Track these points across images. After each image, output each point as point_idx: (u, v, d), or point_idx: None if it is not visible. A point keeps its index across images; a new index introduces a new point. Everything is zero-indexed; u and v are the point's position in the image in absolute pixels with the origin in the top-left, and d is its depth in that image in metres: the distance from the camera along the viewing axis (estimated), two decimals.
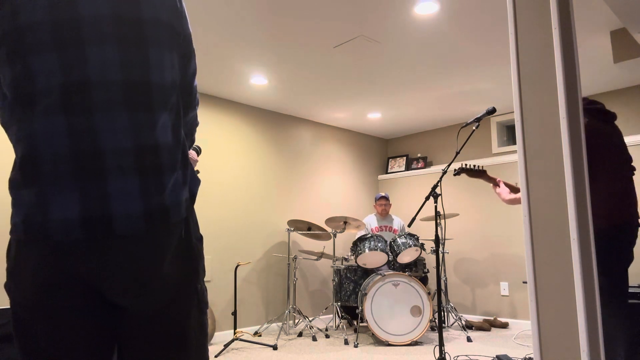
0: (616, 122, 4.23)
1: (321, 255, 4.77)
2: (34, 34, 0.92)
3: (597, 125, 2.43)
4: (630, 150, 4.43)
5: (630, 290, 2.77)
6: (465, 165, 2.78)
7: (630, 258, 2.30)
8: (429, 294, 4.22)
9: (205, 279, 4.44)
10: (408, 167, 6.24)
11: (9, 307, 2.93)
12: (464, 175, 5.64)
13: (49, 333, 0.91)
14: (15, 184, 0.94)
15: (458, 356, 3.64)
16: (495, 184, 2.73)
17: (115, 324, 0.98)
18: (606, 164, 2.37)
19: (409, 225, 3.26)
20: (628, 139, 4.40)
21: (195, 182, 1.08)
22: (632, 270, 4.20)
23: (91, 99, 0.92)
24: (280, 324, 4.99)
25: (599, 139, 2.39)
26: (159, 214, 0.95)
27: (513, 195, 2.62)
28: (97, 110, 0.92)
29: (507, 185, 2.68)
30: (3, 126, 1.00)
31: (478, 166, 2.73)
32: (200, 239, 1.06)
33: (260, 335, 4.61)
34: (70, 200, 0.89)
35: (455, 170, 2.81)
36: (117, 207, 0.91)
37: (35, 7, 0.92)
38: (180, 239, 0.99)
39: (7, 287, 0.95)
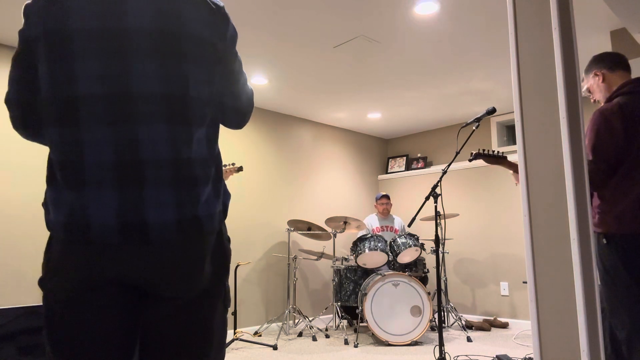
0: None
1: (321, 255, 4.77)
2: (82, 39, 0.95)
3: None
4: None
5: None
6: (484, 150, 2.53)
7: None
8: (429, 294, 4.22)
9: None
10: (408, 167, 6.24)
11: (9, 307, 2.94)
12: (464, 175, 5.64)
13: (82, 328, 0.95)
14: (56, 185, 0.98)
15: (458, 356, 3.64)
16: (517, 171, 2.44)
17: (142, 319, 1.03)
18: None
19: (409, 225, 3.26)
20: None
21: (227, 196, 1.13)
22: None
23: (135, 111, 0.96)
24: (280, 324, 4.99)
25: None
26: (191, 224, 0.99)
27: None
28: (140, 122, 0.96)
29: None
30: (22, 109, 1.02)
31: (497, 151, 2.51)
32: (229, 240, 1.12)
33: (260, 335, 4.61)
34: (109, 206, 0.94)
35: (471, 154, 2.57)
36: (152, 216, 0.96)
37: (86, 14, 0.96)
38: (214, 243, 1.05)
39: (43, 281, 0.99)
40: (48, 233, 3.59)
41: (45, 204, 1.01)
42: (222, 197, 1.10)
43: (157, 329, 1.01)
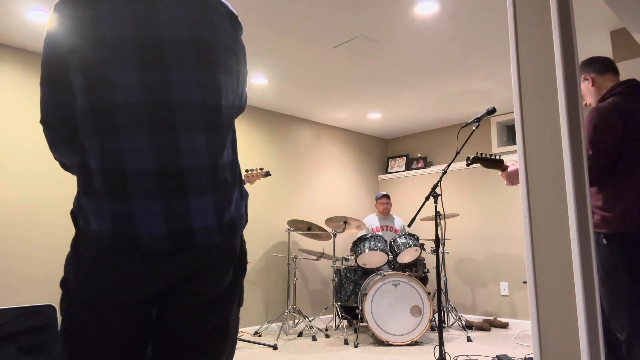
0: None
1: (321, 255, 4.77)
2: (117, 47, 0.95)
3: (639, 107, 2.11)
4: None
5: None
6: (481, 154, 2.52)
7: None
8: (429, 294, 4.22)
9: None
10: (408, 167, 6.24)
11: (9, 307, 2.93)
12: (464, 175, 5.64)
13: (102, 326, 0.97)
14: (94, 194, 0.97)
15: (458, 356, 3.64)
16: (508, 172, 2.43)
17: (161, 310, 1.05)
18: None
19: (409, 225, 3.26)
20: None
21: (247, 196, 1.16)
22: None
23: (175, 119, 0.98)
24: (280, 324, 4.99)
25: (639, 124, 2.08)
26: (229, 226, 1.04)
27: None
28: (179, 131, 0.98)
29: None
30: (55, 128, 1.03)
31: (494, 155, 2.50)
32: (245, 241, 1.16)
33: (260, 335, 4.61)
34: (156, 216, 0.96)
35: (468, 158, 2.55)
36: (197, 222, 0.99)
37: (118, 21, 0.96)
38: (239, 243, 1.10)
39: (66, 283, 1.00)
40: (47, 234, 3.59)
41: (78, 213, 1.01)
42: (244, 198, 1.14)
43: (176, 324, 1.03)
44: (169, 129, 0.97)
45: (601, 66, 2.30)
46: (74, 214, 1.02)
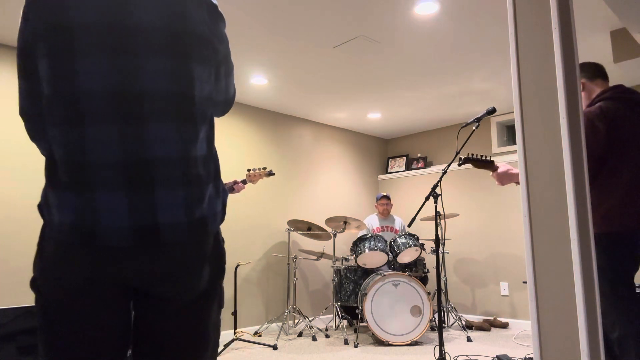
0: None
1: (321, 255, 4.77)
2: (84, 34, 0.91)
3: (625, 113, 2.19)
4: None
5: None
6: (472, 155, 2.57)
7: (638, 264, 2.15)
8: (429, 294, 4.22)
9: None
10: (408, 167, 6.23)
11: (9, 307, 2.94)
12: (464, 175, 5.64)
13: (78, 328, 0.93)
14: (59, 186, 0.94)
15: (458, 356, 3.64)
16: (498, 173, 2.48)
17: (138, 318, 1.02)
18: (629, 159, 2.16)
19: (409, 225, 3.26)
20: None
21: (226, 194, 1.12)
22: None
23: (143, 109, 0.93)
24: (280, 324, 4.99)
25: (624, 129, 2.16)
26: (200, 224, 0.99)
27: (513, 172, 2.38)
28: (148, 120, 0.93)
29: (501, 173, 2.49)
30: (33, 120, 0.99)
31: (485, 156, 2.57)
32: (223, 240, 1.11)
33: (260, 335, 4.61)
34: (120, 208, 0.91)
35: (460, 159, 2.61)
36: (163, 217, 0.94)
37: (86, 6, 0.92)
38: (213, 242, 1.04)
39: (35, 282, 0.97)
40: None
41: (43, 206, 0.97)
42: (222, 195, 1.09)
43: (155, 330, 1.00)
44: (137, 118, 0.92)
45: (592, 72, 2.38)
46: (40, 207, 0.98)
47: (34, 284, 0.97)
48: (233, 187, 3.14)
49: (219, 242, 1.07)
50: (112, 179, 0.91)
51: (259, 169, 3.32)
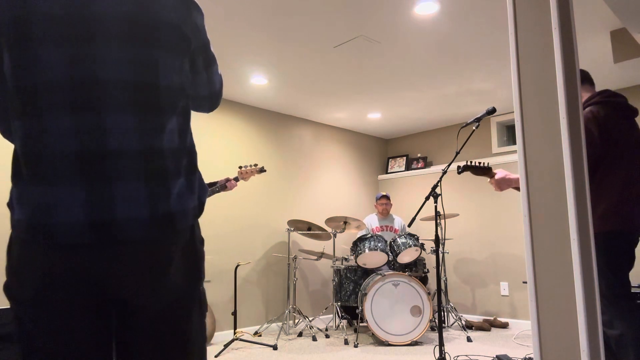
0: None
1: (321, 255, 4.77)
2: (44, 24, 0.89)
3: (614, 117, 2.28)
4: None
5: (635, 290, 2.77)
6: (470, 162, 2.63)
7: (633, 262, 2.25)
8: (429, 294, 4.22)
9: (205, 279, 4.45)
10: (408, 167, 6.23)
11: (9, 307, 2.93)
12: (464, 175, 5.64)
13: (50, 332, 0.89)
14: (20, 180, 0.91)
15: (458, 356, 3.64)
16: (496, 179, 2.56)
17: (116, 324, 0.96)
18: (621, 160, 2.24)
19: (409, 225, 3.26)
20: None
21: (204, 190, 1.06)
22: (633, 269, 4.21)
23: (101, 98, 0.90)
24: (280, 324, 4.99)
25: (614, 132, 2.25)
26: (164, 220, 0.93)
27: (511, 177, 2.46)
28: (105, 110, 0.90)
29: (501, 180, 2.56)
30: (1, 116, 0.97)
31: (483, 163, 2.63)
32: (202, 241, 1.06)
33: (260, 335, 4.61)
34: (76, 202, 0.87)
35: (459, 167, 2.67)
36: (122, 212, 0.89)
37: None
38: (186, 242, 0.99)
39: (7, 286, 0.93)
40: None
41: (10, 203, 0.94)
42: (198, 191, 1.03)
43: (132, 338, 0.95)
44: (94, 109, 0.89)
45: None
46: (8, 205, 0.94)
47: (7, 289, 0.92)
48: (225, 185, 3.13)
49: (194, 242, 1.01)
50: (68, 172, 0.88)
51: (251, 165, 3.30)
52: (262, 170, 3.28)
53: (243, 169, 3.28)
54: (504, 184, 2.48)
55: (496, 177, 2.49)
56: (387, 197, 5.35)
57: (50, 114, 0.88)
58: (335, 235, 4.79)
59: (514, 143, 5.42)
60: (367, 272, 4.67)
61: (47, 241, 0.87)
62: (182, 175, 0.99)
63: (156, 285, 0.93)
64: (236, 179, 3.21)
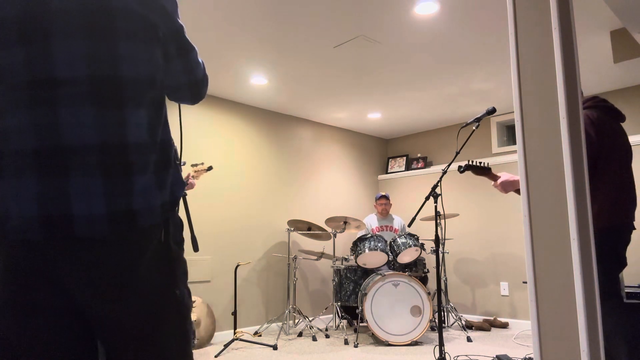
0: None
1: (321, 255, 4.77)
2: (3, 27, 0.89)
3: (607, 120, 2.36)
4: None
5: (630, 290, 2.77)
6: (472, 162, 2.65)
7: (624, 262, 2.30)
8: (429, 294, 4.22)
9: (205, 279, 4.45)
10: (408, 167, 6.23)
11: None
12: (464, 175, 5.64)
13: (17, 332, 0.87)
14: None
15: (458, 356, 3.64)
16: (497, 181, 2.64)
17: (90, 326, 0.94)
18: (613, 162, 2.32)
19: (409, 225, 3.26)
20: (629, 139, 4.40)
21: (179, 187, 1.02)
22: (631, 270, 4.20)
23: (56, 93, 0.89)
24: (280, 324, 4.99)
25: (608, 135, 2.33)
26: (124, 217, 0.89)
27: (515, 179, 2.51)
28: (61, 105, 0.89)
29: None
30: None
31: (483, 163, 2.67)
32: (180, 242, 1.01)
33: (260, 335, 4.61)
34: (29, 197, 0.86)
35: (460, 167, 2.71)
36: (78, 208, 0.86)
37: (5, 1, 0.90)
38: (158, 242, 0.95)
39: None
40: None
41: None
42: (171, 188, 1.00)
43: (105, 343, 0.92)
44: (50, 104, 0.88)
45: None
46: None
47: None
48: (187, 183, 3.06)
49: (168, 243, 0.97)
50: (24, 166, 0.87)
51: (199, 163, 3.23)
52: (209, 168, 3.22)
53: (195, 167, 3.21)
54: (509, 186, 2.54)
55: (501, 179, 2.56)
56: (386, 197, 5.35)
57: (11, 112, 0.89)
58: (335, 235, 4.79)
59: (514, 143, 5.42)
60: (367, 272, 4.67)
61: (7, 238, 0.86)
62: (151, 171, 0.95)
63: (120, 287, 0.89)
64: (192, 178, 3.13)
